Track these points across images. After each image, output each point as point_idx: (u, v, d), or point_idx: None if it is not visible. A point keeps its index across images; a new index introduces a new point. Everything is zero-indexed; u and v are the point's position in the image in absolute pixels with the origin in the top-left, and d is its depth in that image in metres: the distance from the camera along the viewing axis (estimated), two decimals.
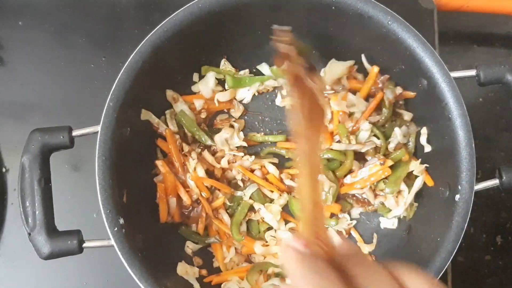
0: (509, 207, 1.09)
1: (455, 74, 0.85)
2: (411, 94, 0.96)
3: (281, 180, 1.02)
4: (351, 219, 1.02)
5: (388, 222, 1.00)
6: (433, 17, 1.14)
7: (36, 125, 0.90)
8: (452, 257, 0.80)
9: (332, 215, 1.01)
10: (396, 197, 0.98)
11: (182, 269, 0.95)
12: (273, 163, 1.02)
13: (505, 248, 1.08)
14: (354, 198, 1.02)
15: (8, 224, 1.05)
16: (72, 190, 1.05)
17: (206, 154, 1.01)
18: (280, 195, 1.01)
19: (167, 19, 0.87)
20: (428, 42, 0.86)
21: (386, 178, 0.97)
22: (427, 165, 0.95)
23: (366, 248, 1.00)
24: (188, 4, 0.87)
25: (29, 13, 1.14)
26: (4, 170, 1.07)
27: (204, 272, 0.98)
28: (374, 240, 1.00)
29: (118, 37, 1.12)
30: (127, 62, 0.85)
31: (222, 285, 0.96)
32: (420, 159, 0.97)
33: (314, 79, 0.79)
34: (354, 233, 1.02)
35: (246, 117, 1.06)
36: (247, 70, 1.05)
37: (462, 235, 0.81)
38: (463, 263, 1.06)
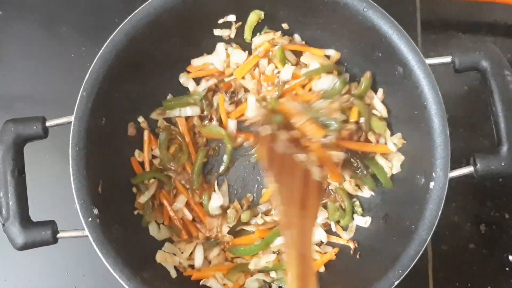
0: (493, 196, 1.10)
1: (430, 61, 0.85)
2: None
3: None
4: None
5: (361, 221, 1.00)
6: (415, 5, 1.15)
7: (17, 114, 0.89)
8: (426, 243, 0.80)
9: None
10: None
11: (162, 256, 0.96)
12: None
13: (489, 237, 1.09)
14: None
15: None
16: (51, 180, 1.06)
17: None
18: None
19: (141, 7, 0.87)
20: (410, 31, 0.87)
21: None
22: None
23: (345, 235, 1.00)
24: None
25: (9, 2, 1.14)
26: None
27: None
28: (353, 228, 1.01)
29: (98, 26, 1.13)
30: (100, 52, 0.85)
31: (201, 282, 0.96)
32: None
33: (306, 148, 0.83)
34: (332, 223, 1.02)
35: None
36: None
37: (436, 222, 0.81)
38: (447, 252, 1.07)
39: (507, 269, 1.07)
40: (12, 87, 1.12)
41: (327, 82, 0.99)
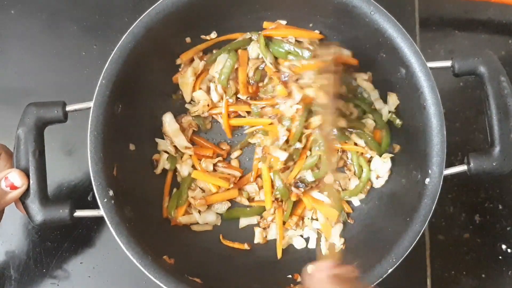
0: (487, 188, 1.14)
1: (431, 64, 0.89)
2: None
3: None
4: None
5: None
6: (414, 4, 1.18)
7: None
8: (419, 236, 0.85)
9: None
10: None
11: None
12: None
13: (483, 227, 1.12)
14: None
15: None
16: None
17: None
18: None
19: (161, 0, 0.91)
20: (409, 29, 0.90)
21: None
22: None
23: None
24: None
25: (21, 1, 1.16)
26: None
27: None
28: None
29: (108, 25, 1.15)
30: (120, 42, 0.89)
31: None
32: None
33: None
34: None
35: None
36: None
37: (430, 216, 0.85)
38: (443, 241, 1.11)
39: (500, 257, 1.11)
40: (24, 83, 1.13)
41: None
